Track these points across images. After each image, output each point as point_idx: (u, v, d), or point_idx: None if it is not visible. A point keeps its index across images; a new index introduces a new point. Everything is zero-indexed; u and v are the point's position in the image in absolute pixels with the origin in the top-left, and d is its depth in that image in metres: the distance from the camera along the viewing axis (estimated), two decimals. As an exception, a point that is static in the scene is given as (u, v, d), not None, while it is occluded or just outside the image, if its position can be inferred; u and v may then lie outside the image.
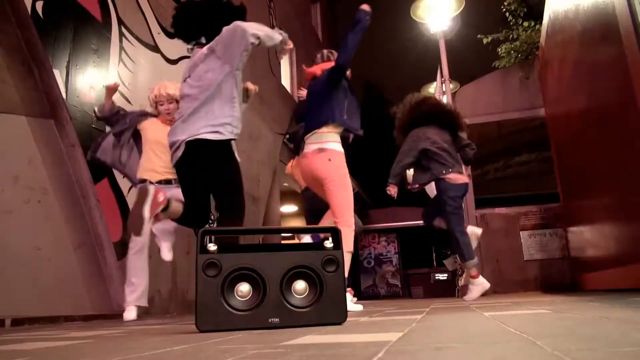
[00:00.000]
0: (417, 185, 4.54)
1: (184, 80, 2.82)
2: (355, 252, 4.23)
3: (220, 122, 2.66)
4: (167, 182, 3.66)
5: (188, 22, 2.89)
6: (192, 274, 1.57)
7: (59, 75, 4.07)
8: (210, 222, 2.92)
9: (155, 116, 3.84)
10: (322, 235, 1.71)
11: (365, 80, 20.72)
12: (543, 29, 5.65)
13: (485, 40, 7.48)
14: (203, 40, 2.86)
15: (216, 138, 2.65)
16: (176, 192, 3.16)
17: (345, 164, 3.06)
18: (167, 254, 3.71)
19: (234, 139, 2.75)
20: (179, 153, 2.68)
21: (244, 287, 1.57)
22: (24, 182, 3.69)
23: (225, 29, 2.69)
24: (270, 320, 1.54)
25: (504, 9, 7.70)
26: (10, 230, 3.50)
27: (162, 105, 3.75)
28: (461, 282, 5.80)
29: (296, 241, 6.94)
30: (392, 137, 4.86)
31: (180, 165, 2.74)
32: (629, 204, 3.03)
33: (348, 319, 1.64)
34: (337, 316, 1.59)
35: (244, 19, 2.85)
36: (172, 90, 3.70)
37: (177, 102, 3.39)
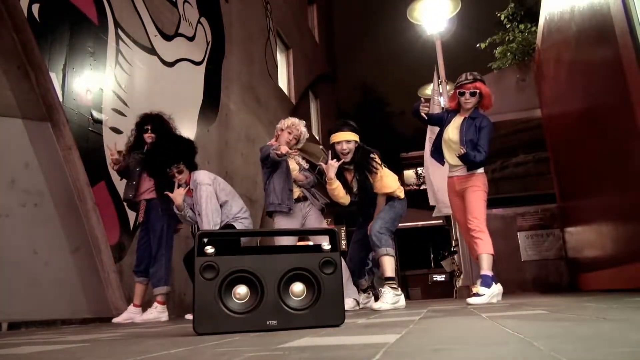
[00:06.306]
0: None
1: None
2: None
3: None
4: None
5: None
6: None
7: (55, 78, 4.06)
8: None
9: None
10: None
11: (362, 81, 20.79)
12: (539, 31, 5.67)
13: (483, 45, 7.51)
14: None
15: None
16: None
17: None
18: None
19: None
20: None
21: (241, 290, 1.57)
22: (21, 185, 3.67)
23: None
24: (267, 322, 1.54)
25: (499, 14, 7.72)
26: (7, 233, 3.49)
27: (290, 134, 3.90)
28: (459, 283, 5.80)
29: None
30: (390, 138, 4.82)
31: None
32: (625, 204, 3.04)
33: (346, 320, 1.64)
34: (334, 318, 1.59)
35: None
36: (303, 128, 3.99)
37: (297, 140, 3.92)
